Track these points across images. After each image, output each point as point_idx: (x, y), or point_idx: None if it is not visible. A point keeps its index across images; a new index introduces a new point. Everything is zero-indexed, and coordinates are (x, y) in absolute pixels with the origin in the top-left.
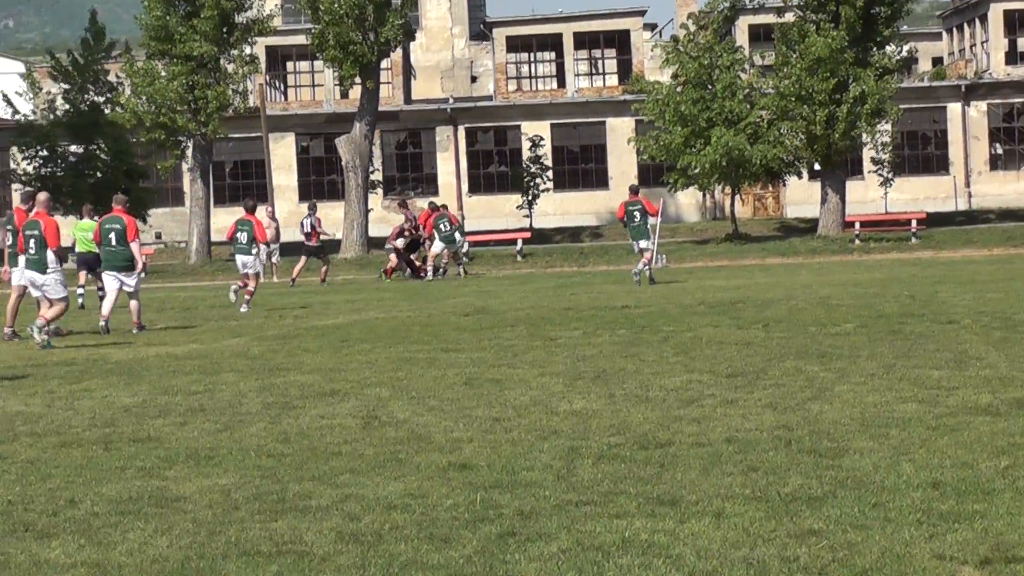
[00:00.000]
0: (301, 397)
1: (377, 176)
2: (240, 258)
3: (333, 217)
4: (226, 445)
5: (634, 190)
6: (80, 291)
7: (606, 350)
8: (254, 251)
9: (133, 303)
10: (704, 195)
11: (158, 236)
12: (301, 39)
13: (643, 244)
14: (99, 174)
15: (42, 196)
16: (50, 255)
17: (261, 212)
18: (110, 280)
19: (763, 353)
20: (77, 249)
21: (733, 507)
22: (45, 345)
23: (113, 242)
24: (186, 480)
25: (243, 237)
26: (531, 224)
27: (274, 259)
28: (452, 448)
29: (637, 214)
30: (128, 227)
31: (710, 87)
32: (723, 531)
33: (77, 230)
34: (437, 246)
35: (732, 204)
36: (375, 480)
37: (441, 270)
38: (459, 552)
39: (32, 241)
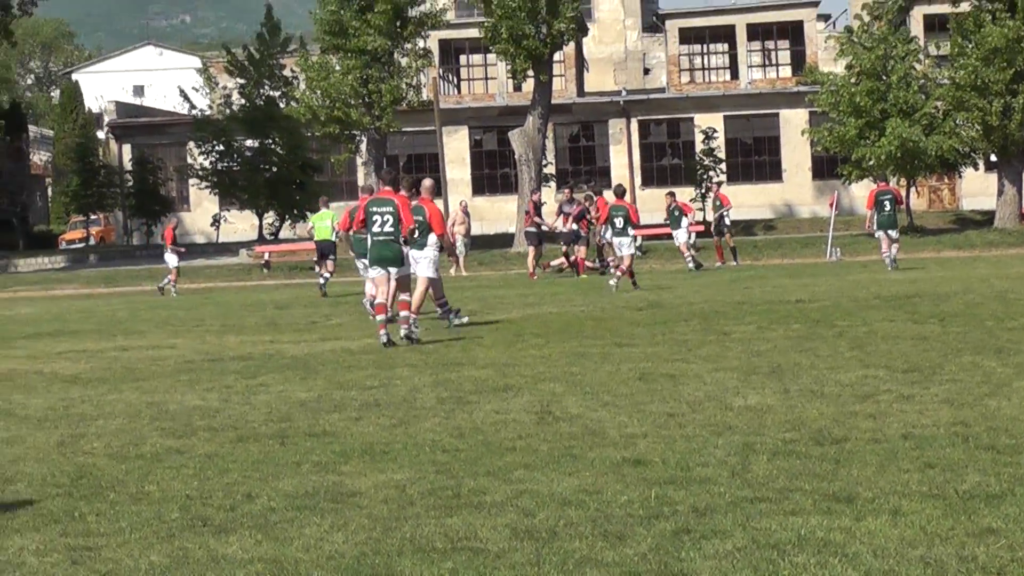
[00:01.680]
0: (475, 392)
1: (550, 169)
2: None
3: (506, 211)
4: (401, 440)
5: (620, 192)
6: (322, 279)
7: (780, 345)
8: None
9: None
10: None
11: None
12: (474, 32)
13: (624, 250)
14: (274, 168)
15: (427, 182)
16: (431, 237)
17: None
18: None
19: (939, 348)
20: (316, 238)
21: (910, 504)
22: (411, 337)
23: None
24: (361, 475)
25: (386, 223)
26: (704, 217)
27: (460, 252)
28: (626, 444)
29: (620, 220)
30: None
31: (884, 78)
32: (900, 529)
33: (315, 219)
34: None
35: (907, 196)
36: (549, 476)
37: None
38: (633, 549)
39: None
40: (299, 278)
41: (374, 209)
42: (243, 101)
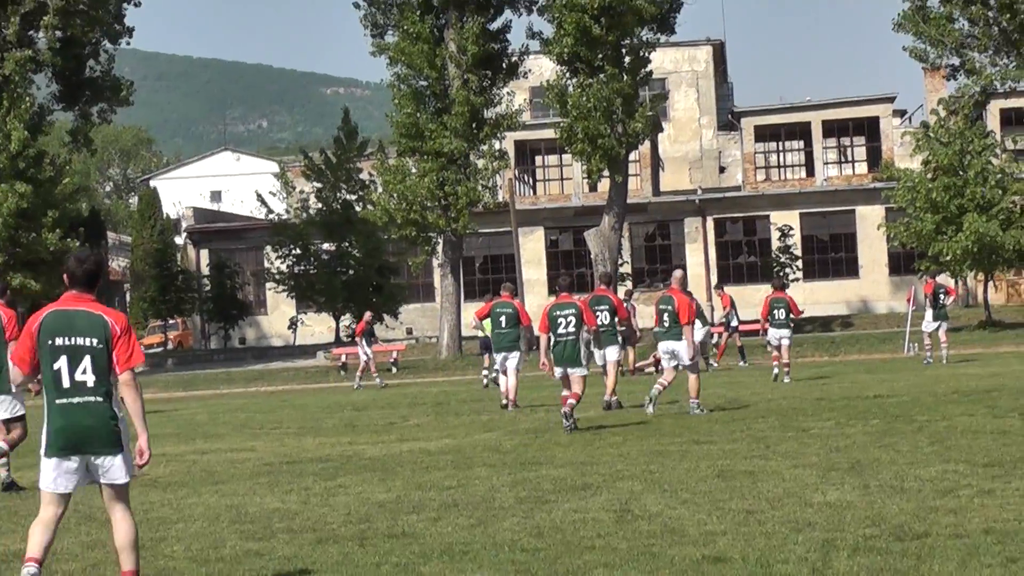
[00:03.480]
0: (554, 491)
1: (626, 268)
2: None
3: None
4: (480, 540)
5: (606, 279)
6: (484, 373)
7: (859, 440)
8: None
9: (511, 380)
10: (956, 282)
11: (409, 332)
12: (549, 133)
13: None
14: (351, 271)
15: (678, 273)
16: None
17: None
18: (502, 360)
19: (1020, 442)
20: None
21: None
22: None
23: (503, 325)
24: None
25: (503, 321)
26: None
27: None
28: (706, 541)
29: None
30: (519, 312)
31: (961, 173)
32: None
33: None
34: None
35: (985, 291)
36: (629, 575)
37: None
38: None
39: (665, 315)
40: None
41: (557, 313)
42: (320, 205)
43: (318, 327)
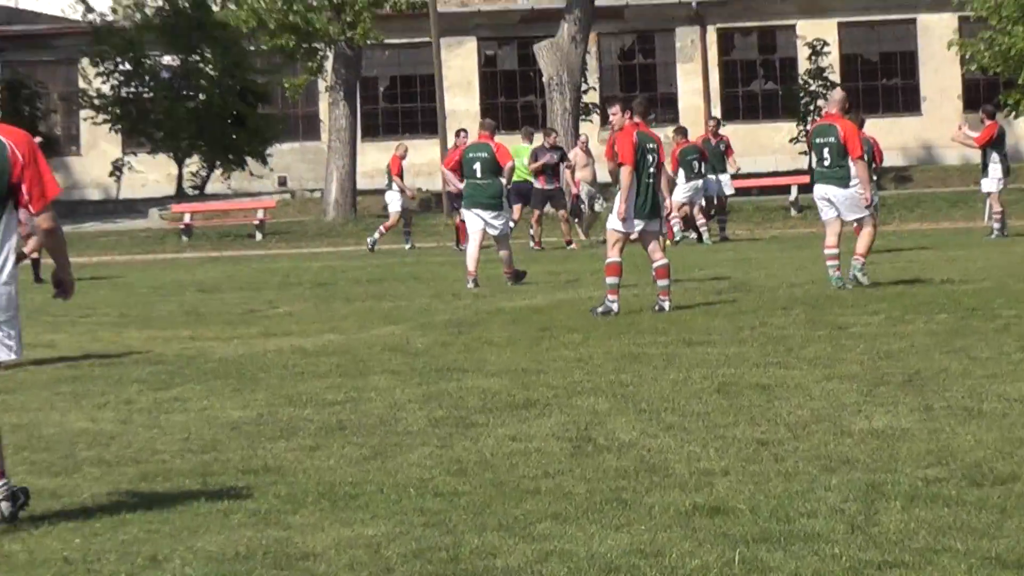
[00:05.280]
0: (483, 410)
1: (592, 97)
2: (480, 212)
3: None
4: (375, 479)
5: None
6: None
7: (919, 343)
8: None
9: (503, 252)
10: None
11: (282, 182)
12: None
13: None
14: (202, 96)
15: (837, 94)
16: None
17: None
18: (474, 220)
19: None
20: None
21: None
22: None
23: (478, 174)
24: (318, 529)
25: (478, 167)
26: (811, 164)
27: (597, 206)
28: (699, 484)
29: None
30: (499, 154)
31: None
32: None
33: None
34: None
35: None
36: (589, 531)
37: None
38: None
39: (826, 150)
40: (233, 249)
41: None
42: (160, 2)
43: (152, 174)
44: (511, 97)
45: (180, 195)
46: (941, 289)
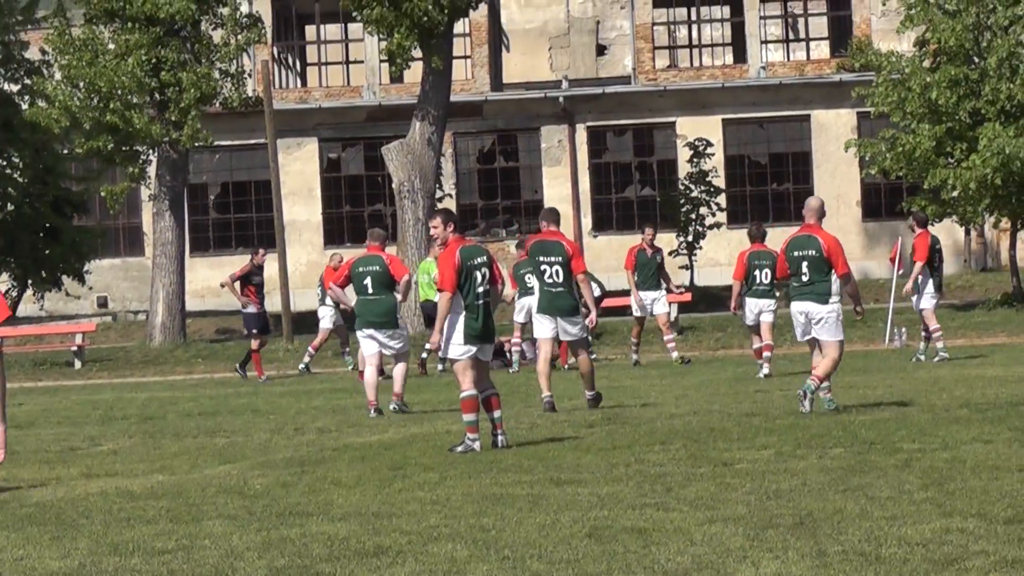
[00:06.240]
0: (329, 558)
1: (448, 204)
2: (374, 332)
3: None
4: None
5: (551, 216)
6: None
7: (812, 481)
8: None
9: (398, 368)
10: (968, 232)
11: (103, 303)
12: None
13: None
14: (11, 205)
15: (813, 202)
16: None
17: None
18: (368, 343)
19: None
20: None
21: None
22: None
23: (369, 289)
24: None
25: (368, 282)
26: (691, 280)
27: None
28: None
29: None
30: (392, 267)
31: (977, 60)
32: None
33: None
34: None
35: (1012, 247)
36: None
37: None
38: None
39: (804, 264)
40: (49, 378)
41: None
42: None
43: None
44: (357, 205)
45: None
46: (836, 420)
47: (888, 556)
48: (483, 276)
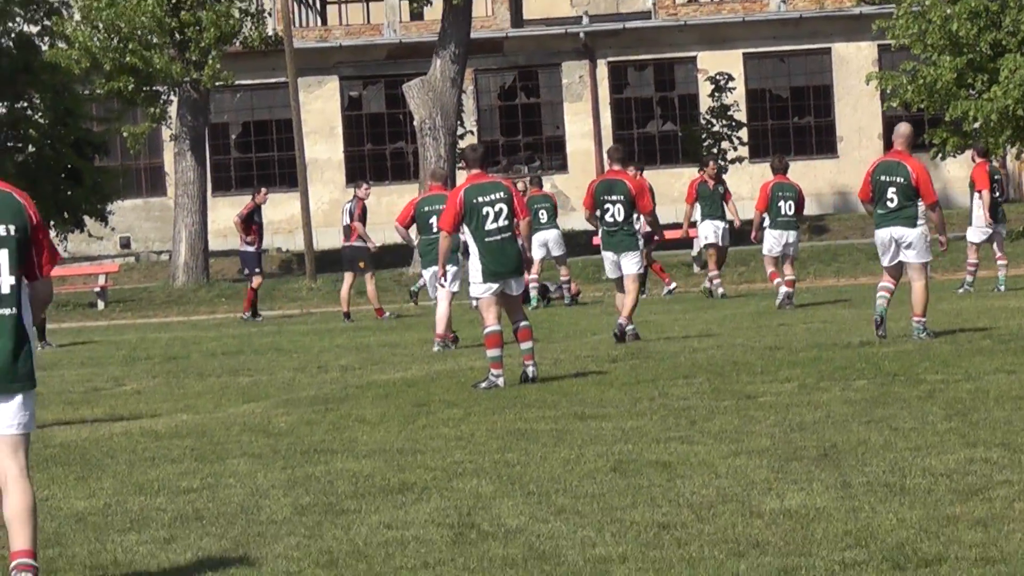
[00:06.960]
0: (354, 495)
1: (470, 141)
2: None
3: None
4: (238, 573)
5: (617, 155)
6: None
7: (836, 413)
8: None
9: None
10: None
11: (125, 244)
12: None
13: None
14: (32, 147)
15: (903, 128)
16: None
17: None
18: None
19: None
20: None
21: None
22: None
23: (435, 229)
24: None
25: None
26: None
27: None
28: (595, 573)
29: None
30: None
31: None
32: None
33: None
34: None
35: None
36: None
37: (557, 287)
38: None
39: (891, 190)
40: (72, 320)
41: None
42: None
43: None
44: (379, 143)
45: None
46: (859, 352)
47: (912, 487)
48: (496, 212)
